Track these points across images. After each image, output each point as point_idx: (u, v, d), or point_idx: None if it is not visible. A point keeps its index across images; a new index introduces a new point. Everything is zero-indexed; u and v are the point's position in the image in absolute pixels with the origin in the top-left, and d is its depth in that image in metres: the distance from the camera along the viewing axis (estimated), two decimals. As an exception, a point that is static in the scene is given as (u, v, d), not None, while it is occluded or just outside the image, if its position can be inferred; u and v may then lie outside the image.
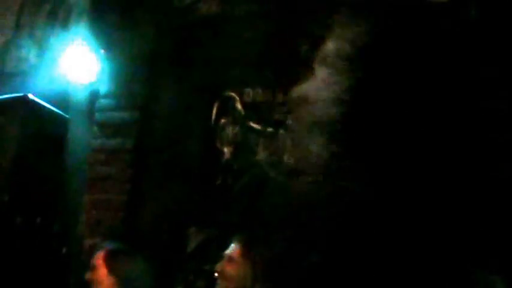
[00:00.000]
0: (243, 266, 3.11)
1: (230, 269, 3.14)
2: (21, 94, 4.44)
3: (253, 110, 4.16)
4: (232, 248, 3.20)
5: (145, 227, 4.32)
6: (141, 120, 4.52)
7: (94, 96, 4.63)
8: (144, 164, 4.47)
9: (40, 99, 4.47)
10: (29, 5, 4.96)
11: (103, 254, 3.55)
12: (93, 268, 3.54)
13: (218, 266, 3.20)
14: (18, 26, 4.99)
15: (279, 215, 3.79)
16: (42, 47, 4.81)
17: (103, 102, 4.61)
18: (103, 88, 4.63)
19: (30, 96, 4.42)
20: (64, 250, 4.35)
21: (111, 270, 3.48)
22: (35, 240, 4.25)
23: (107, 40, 4.55)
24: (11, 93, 4.50)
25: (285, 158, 3.98)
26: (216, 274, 3.24)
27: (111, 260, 3.51)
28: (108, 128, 4.53)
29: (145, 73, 4.56)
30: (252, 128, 4.15)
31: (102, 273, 3.49)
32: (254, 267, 3.08)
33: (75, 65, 4.53)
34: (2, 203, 4.16)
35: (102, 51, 4.54)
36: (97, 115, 4.61)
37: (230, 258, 3.16)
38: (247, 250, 3.15)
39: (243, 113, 4.22)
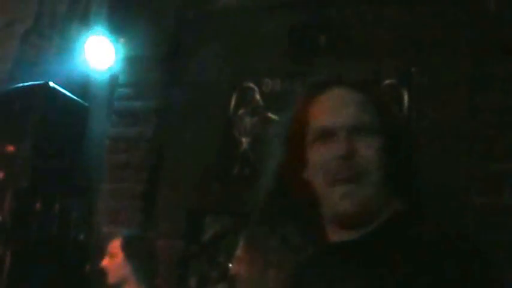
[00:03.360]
0: (250, 265, 2.91)
1: (242, 270, 2.93)
2: (41, 82, 4.53)
3: (272, 100, 4.26)
4: (239, 246, 2.99)
5: (162, 215, 4.44)
6: (159, 109, 4.63)
7: (114, 84, 4.75)
8: (162, 152, 4.58)
9: (60, 87, 4.55)
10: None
11: (120, 242, 3.62)
12: (109, 256, 3.60)
13: (232, 268, 3.01)
14: (39, 15, 5.08)
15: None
16: (62, 35, 4.89)
17: (122, 91, 4.73)
18: (122, 77, 4.74)
19: (51, 84, 4.51)
20: (82, 237, 4.44)
21: (128, 257, 3.56)
22: (53, 226, 4.33)
23: (126, 29, 4.66)
24: (32, 81, 4.58)
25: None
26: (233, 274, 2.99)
27: (128, 248, 3.60)
28: (127, 117, 4.65)
29: (165, 62, 4.67)
30: (270, 118, 4.22)
31: (118, 260, 3.56)
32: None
33: (95, 54, 4.65)
34: (21, 189, 4.25)
35: (121, 40, 4.65)
36: (116, 104, 4.73)
37: (238, 258, 2.97)
38: (250, 247, 2.95)
39: (261, 103, 4.29)
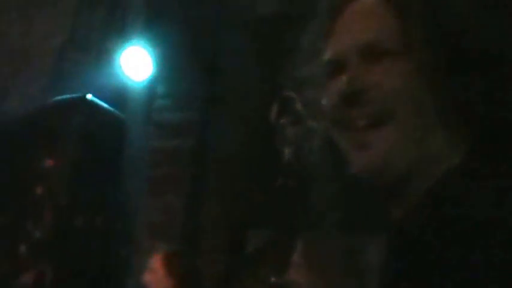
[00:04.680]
0: (310, 270, 2.83)
1: (299, 276, 2.83)
2: (79, 95, 4.58)
3: (313, 109, 4.19)
4: (297, 251, 2.91)
5: (204, 228, 4.43)
6: (199, 121, 4.62)
7: (152, 96, 4.76)
8: (204, 165, 4.57)
9: (98, 99, 4.59)
10: (85, 5, 5.09)
11: (162, 256, 3.62)
12: (150, 270, 3.60)
13: (287, 276, 2.91)
14: (75, 27, 5.13)
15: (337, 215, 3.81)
16: (99, 47, 4.93)
17: (161, 102, 4.73)
18: (161, 88, 4.75)
19: (89, 97, 4.55)
20: (124, 253, 4.46)
21: (171, 272, 3.56)
22: (94, 242, 4.36)
23: (164, 39, 4.67)
24: (69, 94, 4.63)
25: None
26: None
27: (170, 262, 3.59)
28: (167, 129, 4.65)
29: (204, 72, 4.67)
30: (312, 127, 4.17)
31: (160, 275, 3.56)
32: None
33: (133, 65, 4.67)
34: (61, 205, 4.29)
35: (159, 50, 4.65)
36: (155, 115, 4.73)
37: (296, 264, 2.87)
38: (309, 252, 2.89)
39: (302, 112, 4.25)
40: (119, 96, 4.74)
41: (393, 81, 0.98)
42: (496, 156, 0.95)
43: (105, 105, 4.62)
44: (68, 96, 4.60)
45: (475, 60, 0.99)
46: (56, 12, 5.07)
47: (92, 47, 4.94)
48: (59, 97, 4.64)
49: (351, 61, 1.02)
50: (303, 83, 4.23)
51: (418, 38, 0.99)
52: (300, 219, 3.84)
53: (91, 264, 4.34)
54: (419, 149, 0.98)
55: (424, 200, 0.95)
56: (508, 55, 1.01)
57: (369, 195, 1.13)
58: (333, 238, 3.12)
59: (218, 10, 4.62)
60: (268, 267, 4.10)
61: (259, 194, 4.31)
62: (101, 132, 4.56)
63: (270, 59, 4.44)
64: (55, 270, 4.14)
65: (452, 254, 0.85)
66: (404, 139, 0.98)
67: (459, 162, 0.96)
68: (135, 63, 4.66)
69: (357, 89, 0.99)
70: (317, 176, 1.29)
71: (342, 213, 1.30)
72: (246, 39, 4.56)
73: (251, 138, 4.41)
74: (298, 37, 4.18)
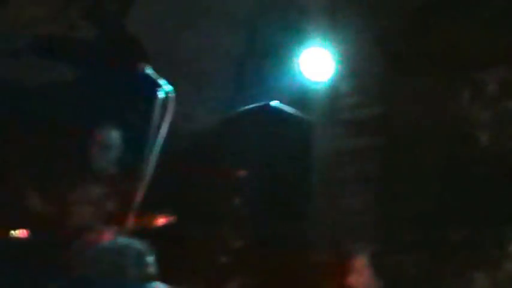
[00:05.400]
0: None
1: None
2: (263, 103, 4.66)
3: (509, 89, 4.00)
4: None
5: (397, 228, 4.31)
6: (387, 116, 4.50)
7: (335, 95, 4.71)
8: (394, 161, 4.45)
9: (282, 104, 4.64)
10: (260, 11, 5.16)
11: (366, 258, 3.63)
12: (355, 272, 3.61)
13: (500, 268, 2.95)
14: (252, 34, 5.21)
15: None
16: (278, 52, 4.97)
17: (347, 100, 4.66)
18: (345, 86, 4.69)
19: (273, 103, 4.61)
20: (320, 256, 4.46)
21: (377, 273, 3.56)
22: (292, 247, 4.40)
23: (343, 37, 4.61)
24: (253, 103, 4.74)
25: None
26: None
27: (376, 263, 3.59)
28: (354, 127, 4.58)
29: (387, 66, 4.55)
30: (509, 108, 3.97)
31: (366, 276, 3.57)
32: None
33: (313, 66, 4.65)
34: (259, 213, 4.39)
35: (341, 48, 4.59)
36: (341, 114, 4.68)
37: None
38: None
39: (497, 93, 4.05)
40: (303, 98, 4.75)
41: None
42: None
43: (290, 109, 4.66)
44: (253, 105, 4.70)
45: None
46: (230, 22, 5.17)
47: (271, 53, 5.00)
48: (244, 107, 4.74)
49: None
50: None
51: None
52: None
53: (291, 269, 4.39)
54: None
55: None
56: None
57: None
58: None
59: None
60: (469, 262, 3.95)
61: (452, 186, 4.14)
62: (288, 137, 4.62)
63: (455, 41, 4.25)
64: (257, 279, 4.24)
65: None
66: None
67: None
68: (315, 63, 4.64)
69: None
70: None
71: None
72: (428, 25, 4.39)
73: (442, 127, 4.24)
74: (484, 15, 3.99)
